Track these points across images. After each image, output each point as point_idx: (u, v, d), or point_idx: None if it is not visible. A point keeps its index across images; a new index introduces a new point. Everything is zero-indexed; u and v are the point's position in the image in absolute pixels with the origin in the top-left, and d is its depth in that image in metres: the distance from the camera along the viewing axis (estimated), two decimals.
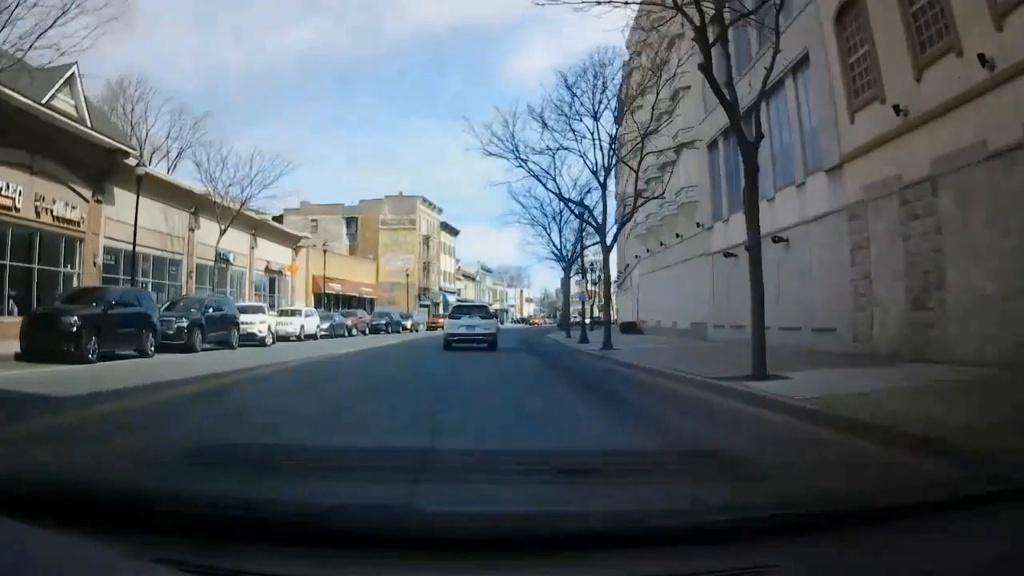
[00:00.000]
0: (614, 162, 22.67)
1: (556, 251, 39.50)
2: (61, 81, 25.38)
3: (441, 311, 69.89)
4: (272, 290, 43.24)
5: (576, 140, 22.90)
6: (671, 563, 1.37)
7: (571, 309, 51.12)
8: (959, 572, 1.40)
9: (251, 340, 25.14)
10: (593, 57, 22.60)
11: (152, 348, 18.76)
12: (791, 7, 18.09)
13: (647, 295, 39.58)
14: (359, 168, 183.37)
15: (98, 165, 26.12)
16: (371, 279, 65.16)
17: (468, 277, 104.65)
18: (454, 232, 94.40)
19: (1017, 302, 11.52)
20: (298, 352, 21.88)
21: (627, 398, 10.16)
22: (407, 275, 71.06)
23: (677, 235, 31.62)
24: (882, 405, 7.44)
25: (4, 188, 21.34)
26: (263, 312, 26.94)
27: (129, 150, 27.24)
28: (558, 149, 23.18)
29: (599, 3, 13.43)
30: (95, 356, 16.21)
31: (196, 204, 32.65)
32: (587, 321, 34.94)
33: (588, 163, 23.43)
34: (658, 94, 21.96)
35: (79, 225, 25.38)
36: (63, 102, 25.47)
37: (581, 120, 22.31)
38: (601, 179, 22.66)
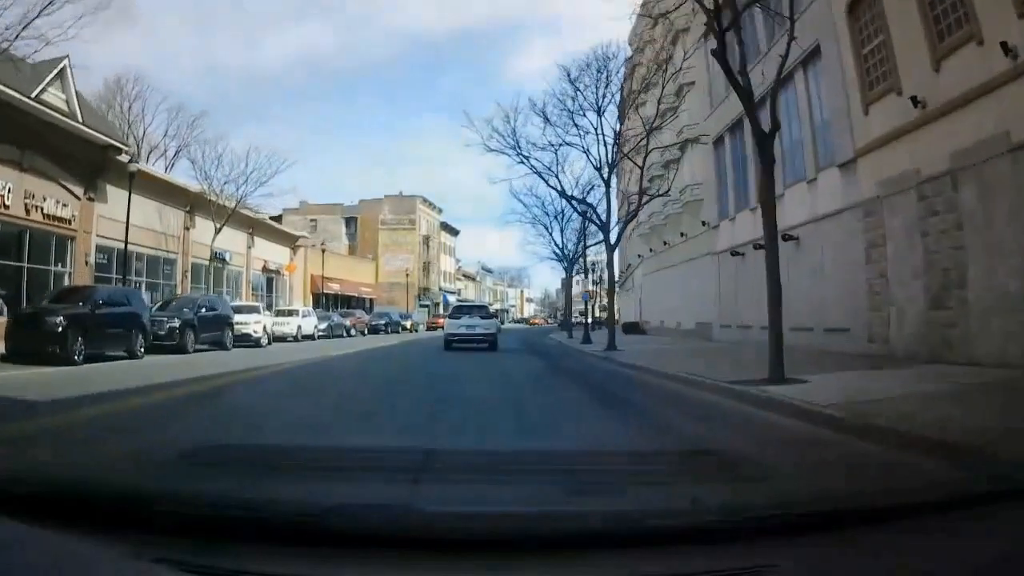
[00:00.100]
0: (618, 158, 22.01)
1: (558, 250, 39.00)
2: (52, 75, 24.80)
3: (441, 311, 69.37)
4: (270, 290, 42.65)
5: (579, 136, 22.32)
6: (671, 563, 1.36)
7: (572, 309, 50.65)
8: (959, 572, 1.38)
9: (246, 341, 24.54)
10: (597, 51, 21.97)
11: (142, 349, 18.19)
12: None
13: (650, 295, 38.99)
14: (359, 169, 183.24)
15: (90, 162, 25.53)
16: (370, 279, 64.57)
17: (468, 277, 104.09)
18: (454, 232, 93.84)
19: None
20: (294, 353, 21.29)
21: (638, 403, 9.56)
22: (407, 275, 70.55)
23: (682, 234, 31.03)
24: (914, 412, 6.87)
25: None
26: (258, 312, 26.31)
27: (122, 146, 26.64)
28: (561, 144, 22.62)
29: None
30: (81, 358, 15.64)
31: (191, 202, 32.05)
32: (588, 321, 34.23)
33: (591, 159, 22.91)
34: (663, 89, 21.35)
35: (70, 223, 24.78)
36: (54, 96, 24.90)
37: (584, 115, 21.77)
38: (605, 175, 22.03)
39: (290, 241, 46.09)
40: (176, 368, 14.82)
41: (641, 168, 21.36)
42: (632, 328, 38.31)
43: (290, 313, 33.16)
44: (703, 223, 27.93)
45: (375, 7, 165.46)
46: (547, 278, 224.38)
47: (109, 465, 2.81)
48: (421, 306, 74.63)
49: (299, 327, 31.56)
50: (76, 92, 26.31)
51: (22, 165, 22.03)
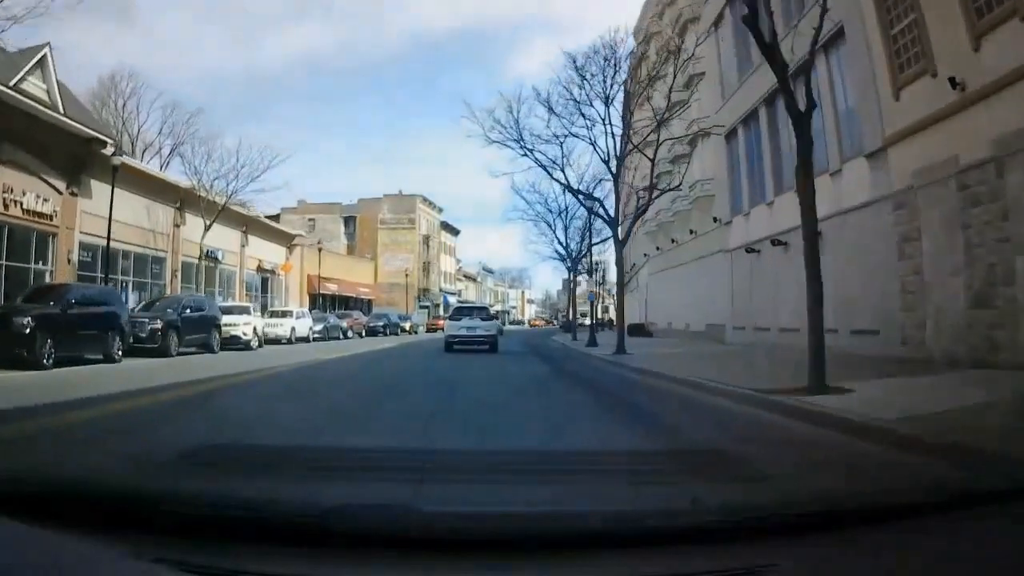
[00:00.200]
0: (628, 149, 20.77)
1: (562, 248, 37.69)
2: (31, 64, 23.69)
3: (441, 312, 68.41)
4: (264, 290, 41.45)
5: (587, 127, 21.09)
6: (671, 563, 1.35)
7: (576, 310, 49.44)
8: (959, 572, 1.37)
9: (235, 344, 23.32)
10: (604, 38, 20.72)
11: (119, 352, 17.00)
12: None
13: (656, 295, 37.73)
14: (358, 169, 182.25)
15: (73, 155, 24.38)
16: (369, 279, 63.30)
17: (469, 278, 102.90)
18: (455, 232, 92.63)
19: None
20: (285, 356, 20.11)
21: (663, 417, 8.34)
22: (406, 275, 69.36)
23: (691, 231, 29.82)
24: (999, 426, 5.77)
25: None
26: (248, 313, 25.06)
27: (106, 139, 25.43)
28: (566, 136, 21.34)
29: None
30: (51, 361, 14.48)
31: (181, 199, 30.85)
32: (593, 323, 32.94)
33: (599, 151, 21.72)
34: (675, 78, 20.13)
35: (52, 219, 23.65)
36: (34, 86, 23.77)
37: (591, 104, 20.52)
38: (613, 169, 20.80)
39: (286, 240, 44.89)
40: (150, 373, 13.69)
41: (652, 160, 20.12)
42: (637, 330, 36.95)
43: (283, 314, 31.90)
44: (714, 219, 26.72)
45: (375, 6, 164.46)
46: (548, 279, 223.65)
47: (109, 465, 2.77)
48: (421, 307, 73.46)
49: (293, 329, 30.32)
50: (58, 82, 25.19)
51: (0, 158, 20.89)
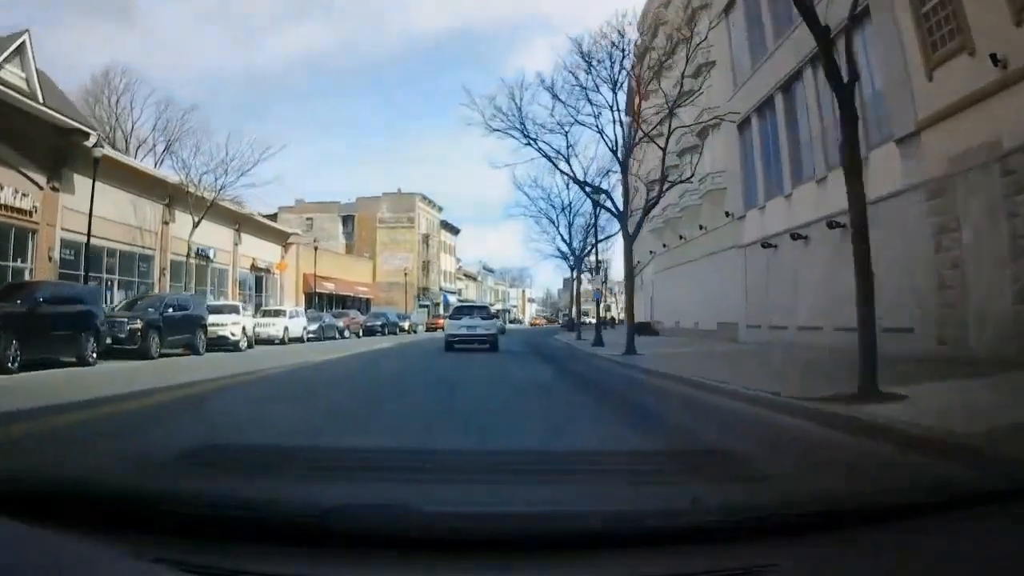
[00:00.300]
0: (637, 138, 19.57)
1: (566, 243, 36.69)
2: (9, 51, 22.53)
3: (441, 311, 67.39)
4: (259, 289, 40.26)
5: (594, 115, 19.88)
6: (671, 563, 1.34)
7: (577, 309, 48.17)
8: (959, 572, 1.36)
9: (223, 344, 22.13)
10: (611, 22, 19.51)
11: (94, 355, 15.83)
12: None
13: (663, 293, 36.52)
14: (358, 170, 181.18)
15: (53, 148, 23.24)
16: (367, 278, 62.07)
17: (469, 277, 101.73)
18: (455, 231, 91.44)
19: None
20: (276, 358, 18.96)
21: (694, 431, 7.17)
22: (405, 274, 68.18)
23: (701, 226, 28.63)
24: None
25: None
26: (237, 312, 23.82)
27: (89, 130, 24.23)
28: (572, 124, 20.13)
29: None
30: (16, 364, 13.32)
31: (170, 195, 29.66)
32: (599, 322, 31.65)
33: (606, 140, 20.51)
34: (687, 62, 18.96)
35: (31, 215, 22.52)
36: (12, 75, 22.61)
37: (598, 90, 19.33)
38: (621, 158, 19.62)
39: (281, 238, 43.72)
40: (119, 378, 12.63)
41: (663, 149, 18.93)
42: (643, 329, 35.52)
43: (276, 313, 30.70)
44: (727, 214, 25.53)
45: (375, 6, 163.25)
46: (549, 277, 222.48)
47: (109, 465, 2.73)
48: (421, 306, 72.30)
49: (286, 329, 29.13)
50: (37, 70, 24.03)
51: None
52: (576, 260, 36.83)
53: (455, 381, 12.47)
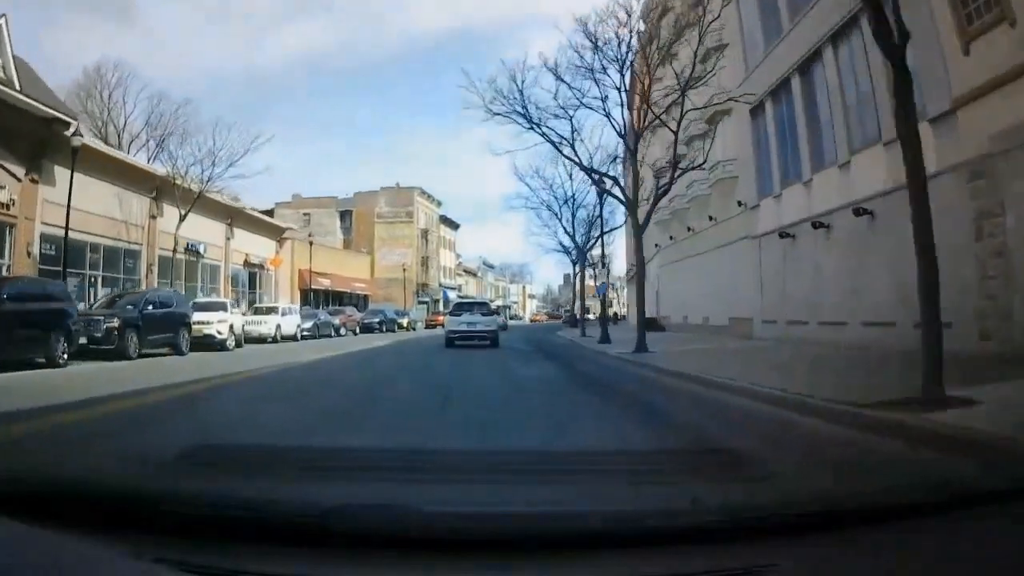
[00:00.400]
0: (647, 120, 18.37)
1: (569, 236, 35.41)
2: None
3: (441, 308, 66.36)
4: (253, 286, 39.10)
5: (601, 98, 18.67)
6: (671, 563, 1.34)
7: (579, 304, 47.00)
8: (959, 572, 1.36)
9: (210, 343, 20.96)
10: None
11: (65, 356, 14.69)
12: None
13: (669, 288, 35.30)
14: (358, 169, 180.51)
15: (32, 138, 22.11)
16: (365, 274, 60.86)
17: (469, 273, 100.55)
18: (454, 226, 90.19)
19: None
20: (263, 358, 17.84)
21: (730, 445, 6.01)
22: (404, 270, 66.97)
23: (710, 217, 27.43)
24: None
25: None
26: (224, 310, 22.59)
27: (69, 120, 23.05)
28: (578, 107, 18.91)
29: None
30: None
31: (157, 187, 28.48)
32: (602, 317, 30.50)
33: (614, 124, 19.31)
34: (700, 40, 17.74)
35: (8, 208, 21.44)
36: None
37: (605, 71, 18.14)
38: (631, 144, 18.44)
39: (276, 233, 42.56)
40: (82, 382, 11.59)
41: (675, 132, 17.75)
42: (649, 324, 34.44)
43: (268, 311, 29.49)
44: (739, 203, 24.34)
45: (375, 5, 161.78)
46: (549, 273, 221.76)
47: (109, 465, 2.66)
48: (420, 303, 71.12)
49: (278, 327, 27.93)
50: (14, 56, 22.88)
51: None
52: (579, 253, 35.66)
53: (454, 385, 11.35)
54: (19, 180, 21.84)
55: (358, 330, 39.72)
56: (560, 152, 20.43)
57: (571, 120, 19.48)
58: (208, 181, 28.46)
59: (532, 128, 18.99)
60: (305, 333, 30.95)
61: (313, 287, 44.27)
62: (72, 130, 22.10)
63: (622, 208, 46.07)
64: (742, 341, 20.99)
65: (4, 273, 20.75)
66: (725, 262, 25.80)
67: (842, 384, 8.75)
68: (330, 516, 1.39)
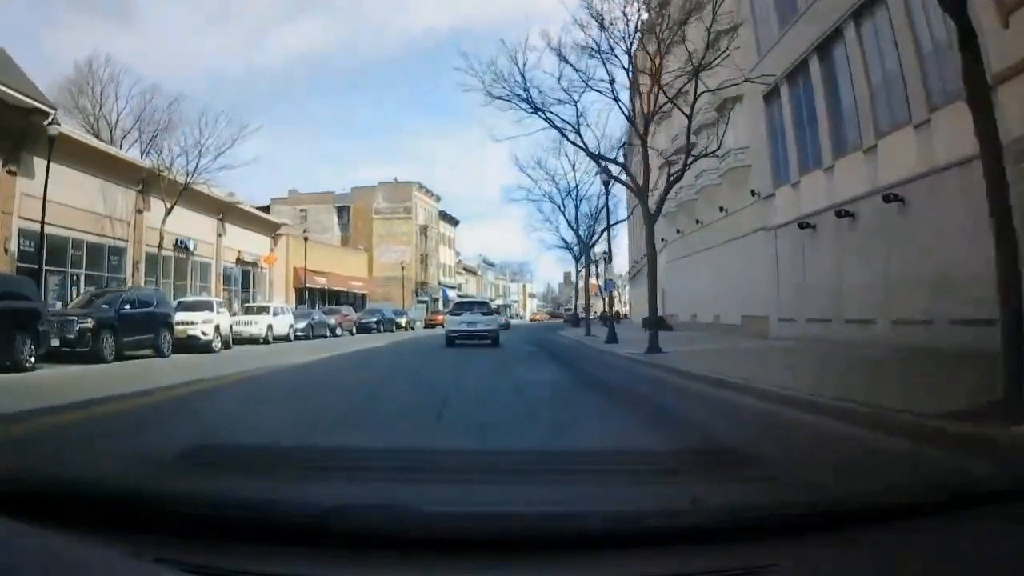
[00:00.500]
0: (660, 104, 17.20)
1: (572, 229, 34.30)
2: None
3: (440, 307, 65.31)
4: (246, 284, 37.91)
5: (608, 79, 17.48)
6: (671, 563, 1.35)
7: (579, 303, 45.93)
8: (959, 572, 1.36)
9: (194, 345, 19.79)
10: None
11: (32, 359, 13.55)
12: None
13: (676, 285, 34.10)
14: (358, 169, 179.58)
15: (10, 128, 20.89)
16: (363, 272, 59.64)
17: (469, 271, 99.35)
18: (454, 222, 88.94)
19: None
20: (249, 360, 16.74)
21: (808, 475, 4.86)
22: (403, 268, 65.75)
23: (721, 209, 26.26)
24: None
25: None
26: (210, 309, 21.40)
27: (48, 110, 21.89)
28: (585, 89, 17.73)
29: None
30: None
31: (144, 180, 27.29)
32: (609, 316, 29.30)
33: (623, 108, 18.13)
34: (714, 17, 16.59)
35: None
36: None
37: (612, 51, 16.95)
38: (641, 129, 17.28)
39: (270, 229, 41.37)
40: (45, 389, 10.52)
41: (689, 117, 16.59)
42: (654, 323, 33.42)
43: (259, 310, 28.33)
44: (752, 193, 23.16)
45: (375, 5, 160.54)
46: (549, 272, 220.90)
47: (109, 465, 2.61)
48: (419, 301, 69.95)
49: (269, 327, 26.78)
50: None
51: None
52: (584, 248, 34.49)
53: (456, 389, 10.23)
54: None
55: (355, 330, 38.51)
56: (565, 137, 19.29)
57: (576, 105, 18.33)
58: (195, 172, 27.22)
59: (535, 113, 17.84)
60: (299, 334, 29.82)
61: (309, 286, 43.07)
62: (50, 119, 21.00)
63: (624, 203, 45.13)
64: (758, 341, 19.84)
65: None
66: (737, 256, 24.63)
67: (893, 391, 7.65)
68: (330, 516, 1.39)
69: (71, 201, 22.95)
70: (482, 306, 26.03)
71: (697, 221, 29.68)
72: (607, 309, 26.17)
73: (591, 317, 38.00)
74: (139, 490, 1.67)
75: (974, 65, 7.55)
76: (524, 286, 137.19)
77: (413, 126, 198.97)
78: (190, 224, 30.28)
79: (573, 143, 19.68)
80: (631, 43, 17.14)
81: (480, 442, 5.60)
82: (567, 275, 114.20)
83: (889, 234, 15.15)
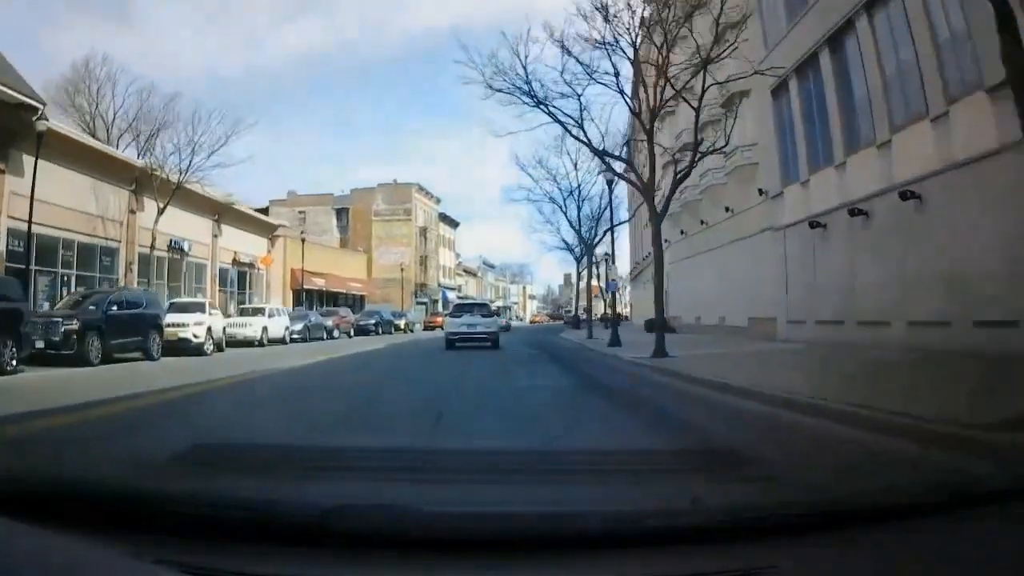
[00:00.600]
0: (666, 98, 16.61)
1: (574, 230, 33.73)
2: None
3: (440, 308, 64.77)
4: (243, 286, 37.32)
5: (613, 72, 16.89)
6: (671, 563, 1.35)
7: (580, 305, 45.31)
8: (959, 572, 1.35)
9: (185, 347, 19.18)
10: None
11: (13, 361, 12.99)
12: None
13: (680, 286, 33.42)
14: (358, 170, 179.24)
15: None
16: (362, 274, 59.04)
17: (469, 273, 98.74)
18: (454, 224, 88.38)
19: None
20: (241, 364, 16.19)
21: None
22: (402, 270, 65.19)
23: (727, 209, 25.68)
24: None
25: None
26: (202, 311, 20.79)
27: (37, 105, 21.32)
28: (589, 83, 17.14)
29: None
30: None
31: (137, 179, 26.72)
32: (613, 318, 28.67)
33: (628, 102, 17.53)
34: (723, 8, 16.02)
35: None
36: None
37: (617, 43, 16.36)
38: (647, 124, 16.70)
39: (267, 230, 40.77)
40: (21, 395, 9.99)
41: (697, 109, 16.01)
42: (661, 325, 32.77)
43: (254, 312, 27.73)
44: (760, 192, 22.60)
45: (375, 5, 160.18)
46: (549, 274, 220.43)
47: (109, 465, 2.61)
48: (418, 303, 69.39)
49: (264, 329, 26.18)
50: None
51: None
52: (586, 248, 33.92)
53: (454, 396, 9.64)
54: None
55: (352, 332, 37.89)
56: (568, 132, 18.66)
57: (579, 99, 17.73)
58: (188, 171, 26.64)
59: (538, 106, 17.25)
60: (295, 336, 29.24)
61: (307, 287, 42.48)
62: (38, 115, 20.44)
63: (626, 203, 44.55)
64: (767, 343, 19.25)
65: None
66: (744, 257, 24.05)
67: (924, 397, 7.07)
68: (330, 516, 1.38)
69: (61, 200, 22.41)
70: (482, 308, 26.00)
71: (702, 222, 29.10)
72: (607, 311, 25.56)
73: (593, 319, 37.43)
74: (139, 490, 1.66)
75: (1014, 47, 7.06)
76: (524, 288, 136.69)
77: (413, 126, 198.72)
78: (185, 225, 29.74)
79: (576, 138, 19.08)
80: (636, 36, 16.55)
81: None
82: (567, 277, 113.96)
83: (905, 233, 14.59)
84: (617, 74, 16.99)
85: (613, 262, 25.71)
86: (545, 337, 35.26)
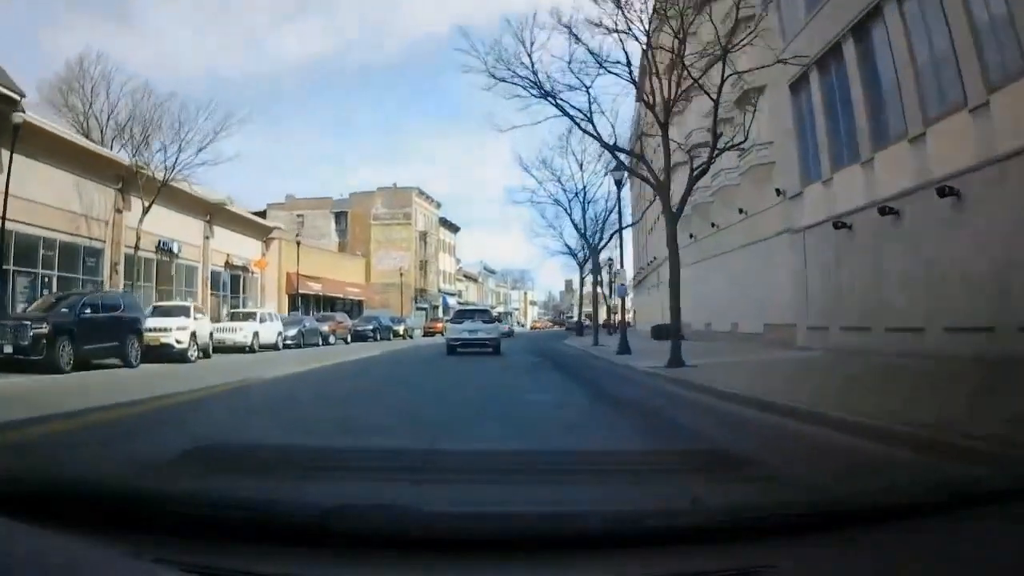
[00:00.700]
0: (684, 88, 15.51)
1: (579, 233, 32.64)
2: None
3: (441, 314, 63.67)
4: (236, 289, 36.20)
5: (625, 62, 15.81)
6: (670, 563, 1.34)
7: (582, 311, 44.19)
8: (959, 572, 1.34)
9: (167, 354, 18.04)
10: None
11: None
12: None
13: (690, 291, 32.01)
14: (358, 171, 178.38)
15: None
16: (360, 279, 57.84)
17: (470, 278, 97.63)
18: (454, 228, 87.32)
19: None
20: (224, 372, 15.12)
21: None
22: (401, 275, 64.07)
23: (740, 210, 24.56)
24: None
25: None
26: (186, 315, 19.63)
27: (16, 96, 20.24)
28: (599, 73, 16.03)
29: None
30: None
31: (123, 178, 25.64)
32: (621, 324, 27.55)
33: (642, 94, 16.43)
34: None
35: None
36: None
37: (630, 30, 15.28)
38: (661, 117, 15.62)
39: (261, 233, 39.66)
40: None
41: (716, 100, 14.90)
42: (664, 332, 31.61)
43: (245, 317, 26.60)
44: (777, 191, 21.48)
45: (375, 5, 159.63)
46: (550, 279, 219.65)
47: (109, 465, 2.69)
48: (418, 309, 68.28)
49: (255, 334, 25.06)
50: None
51: None
52: (592, 251, 32.83)
53: (456, 409, 8.55)
54: None
55: (350, 338, 36.71)
56: (577, 125, 17.58)
57: (588, 91, 16.63)
58: (174, 168, 25.54)
59: (544, 98, 16.16)
60: (288, 342, 28.13)
61: (302, 292, 41.32)
62: (17, 107, 19.37)
63: (629, 209, 43.52)
64: (787, 351, 18.14)
65: None
66: (758, 261, 22.91)
67: (982, 411, 6.00)
68: (330, 516, 1.38)
69: (42, 198, 21.34)
70: (483, 314, 26.09)
71: (713, 224, 27.97)
72: (610, 316, 24.52)
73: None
74: (139, 490, 1.65)
75: None
76: (525, 294, 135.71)
77: (413, 127, 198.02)
78: (174, 225, 28.69)
79: (585, 131, 17.99)
80: (649, 22, 15.48)
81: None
82: (568, 283, 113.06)
83: (939, 233, 13.49)
84: (629, 63, 15.91)
85: (621, 266, 24.58)
86: (548, 344, 34.20)
